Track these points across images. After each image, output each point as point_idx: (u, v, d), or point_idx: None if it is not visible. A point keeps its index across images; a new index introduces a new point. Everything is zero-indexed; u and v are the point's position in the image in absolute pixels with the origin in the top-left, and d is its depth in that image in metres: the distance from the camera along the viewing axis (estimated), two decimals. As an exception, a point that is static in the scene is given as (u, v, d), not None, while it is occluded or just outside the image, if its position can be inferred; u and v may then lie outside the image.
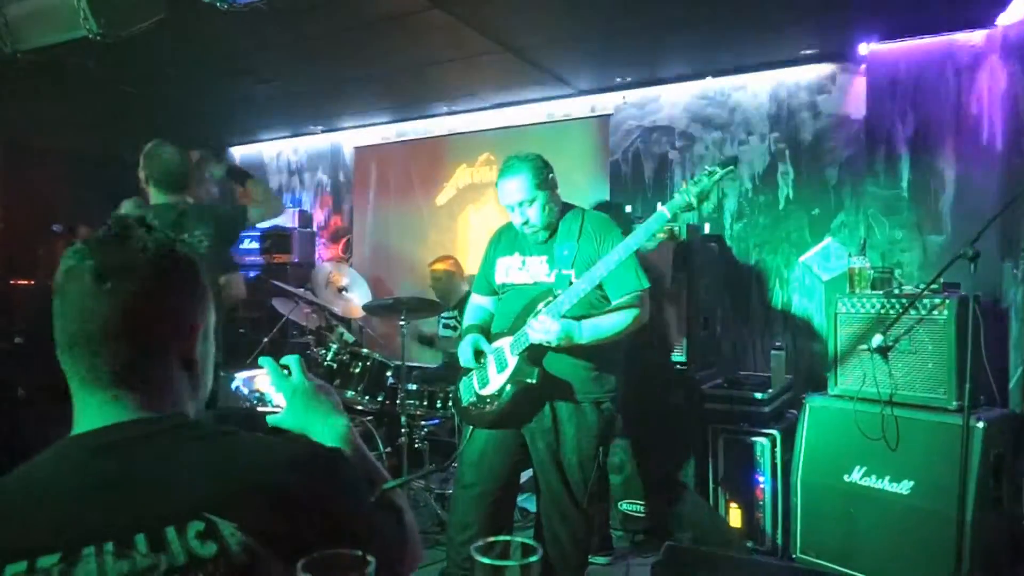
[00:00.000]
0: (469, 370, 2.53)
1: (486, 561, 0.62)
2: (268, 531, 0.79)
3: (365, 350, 4.14)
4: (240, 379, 0.96)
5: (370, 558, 0.62)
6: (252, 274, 5.62)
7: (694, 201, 2.18)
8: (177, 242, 0.95)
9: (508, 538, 0.66)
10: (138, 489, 0.81)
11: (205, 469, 0.84)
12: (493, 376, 2.43)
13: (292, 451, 0.90)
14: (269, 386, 1.16)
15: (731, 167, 2.21)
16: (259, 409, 1.01)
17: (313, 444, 0.99)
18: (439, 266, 4.55)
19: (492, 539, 0.65)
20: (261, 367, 1.16)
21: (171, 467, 0.84)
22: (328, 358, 3.99)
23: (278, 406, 1.15)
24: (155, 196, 3.03)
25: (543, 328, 2.23)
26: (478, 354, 2.47)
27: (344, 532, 0.84)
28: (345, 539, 0.76)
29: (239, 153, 6.73)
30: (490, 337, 2.51)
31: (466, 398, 2.51)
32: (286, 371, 1.16)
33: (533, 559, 0.63)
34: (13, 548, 0.76)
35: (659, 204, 2.35)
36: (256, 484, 0.83)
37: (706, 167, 2.22)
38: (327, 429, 1.10)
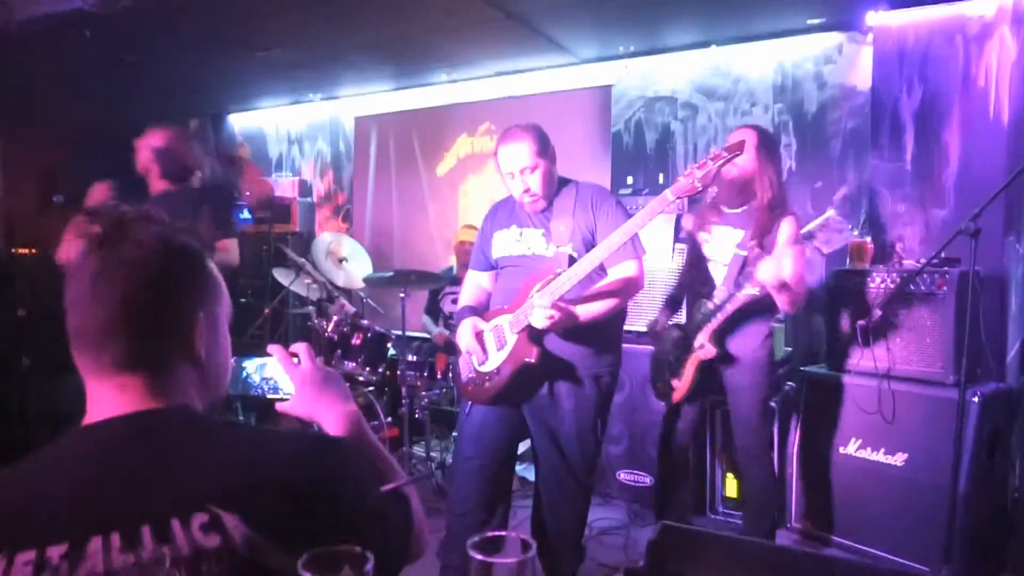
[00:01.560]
0: None
1: (480, 558, 0.63)
2: (272, 524, 0.80)
3: (366, 321, 4.16)
4: (250, 366, 0.97)
5: (369, 555, 0.64)
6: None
7: (699, 186, 2.17)
8: (179, 233, 0.96)
9: (503, 533, 0.67)
10: (144, 481, 0.83)
11: (210, 461, 0.85)
12: (492, 353, 2.44)
13: (296, 443, 0.91)
14: (278, 373, 1.18)
15: (737, 152, 2.20)
16: (269, 397, 1.03)
17: (318, 436, 1.01)
18: (467, 235, 4.54)
19: (488, 535, 0.67)
20: (270, 355, 1.18)
21: (176, 459, 0.85)
22: (329, 329, 4.02)
23: (287, 393, 1.17)
24: (159, 185, 3.16)
25: (542, 311, 2.24)
26: (477, 334, 2.48)
27: (349, 524, 0.85)
28: (350, 531, 0.78)
29: (238, 122, 6.68)
30: (488, 315, 2.53)
31: (465, 375, 2.53)
32: (295, 359, 1.17)
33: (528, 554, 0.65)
34: (23, 537, 0.78)
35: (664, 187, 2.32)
36: (260, 476, 0.84)
37: (712, 150, 2.20)
38: (335, 416, 1.11)
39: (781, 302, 2.61)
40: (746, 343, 2.77)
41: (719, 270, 2.81)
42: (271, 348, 1.19)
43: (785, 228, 2.71)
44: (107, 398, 0.90)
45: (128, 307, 0.89)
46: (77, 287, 0.90)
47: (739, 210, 2.83)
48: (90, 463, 0.85)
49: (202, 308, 0.97)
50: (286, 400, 1.18)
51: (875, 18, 3.77)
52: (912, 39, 3.70)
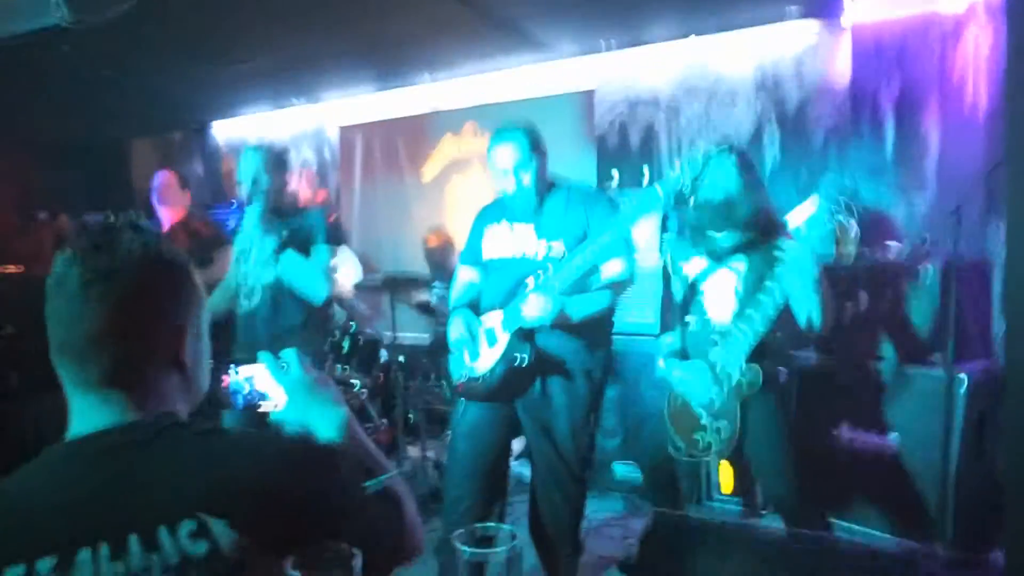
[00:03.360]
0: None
1: (466, 550, 0.64)
2: (259, 528, 0.81)
3: (355, 326, 4.17)
4: (239, 376, 0.96)
5: (356, 551, 0.64)
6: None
7: (688, 184, 2.18)
8: (164, 242, 0.96)
9: (493, 525, 0.68)
10: (131, 491, 0.83)
11: (196, 469, 0.85)
12: (484, 352, 2.45)
13: (282, 448, 0.91)
14: (268, 381, 1.17)
15: (725, 149, 2.21)
16: (260, 407, 1.03)
17: (305, 440, 1.01)
18: (432, 238, 4.65)
19: (476, 526, 0.67)
20: (259, 362, 1.17)
21: (162, 468, 0.85)
22: (320, 335, 4.01)
23: (278, 402, 1.16)
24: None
25: (535, 307, 2.25)
26: (468, 331, 2.48)
27: (337, 527, 0.86)
28: (338, 534, 0.78)
29: (221, 130, 6.64)
30: (479, 312, 2.53)
31: (457, 374, 2.53)
32: (284, 365, 1.17)
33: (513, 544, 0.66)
34: (11, 552, 0.78)
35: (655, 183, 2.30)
36: (246, 482, 0.84)
37: (699, 150, 2.21)
38: (327, 421, 1.10)
39: None
40: None
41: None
42: (261, 355, 1.20)
43: None
44: (91, 410, 0.90)
45: (115, 319, 0.88)
46: (59, 299, 0.89)
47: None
48: (76, 476, 0.85)
49: (188, 316, 0.97)
50: (277, 408, 1.17)
51: (852, 10, 3.79)
52: (889, 31, 3.74)
